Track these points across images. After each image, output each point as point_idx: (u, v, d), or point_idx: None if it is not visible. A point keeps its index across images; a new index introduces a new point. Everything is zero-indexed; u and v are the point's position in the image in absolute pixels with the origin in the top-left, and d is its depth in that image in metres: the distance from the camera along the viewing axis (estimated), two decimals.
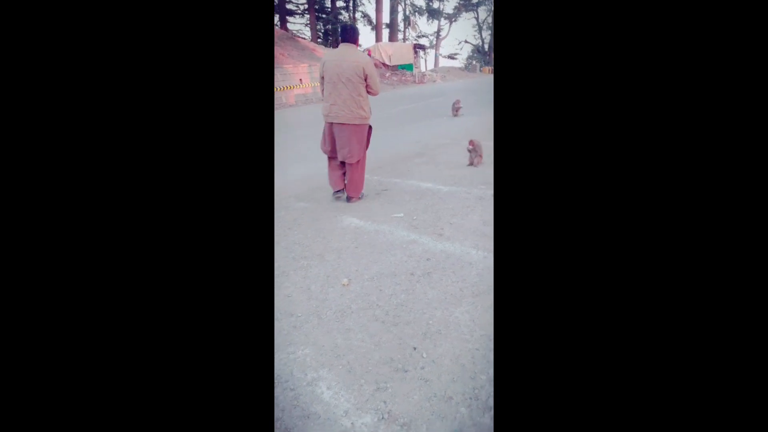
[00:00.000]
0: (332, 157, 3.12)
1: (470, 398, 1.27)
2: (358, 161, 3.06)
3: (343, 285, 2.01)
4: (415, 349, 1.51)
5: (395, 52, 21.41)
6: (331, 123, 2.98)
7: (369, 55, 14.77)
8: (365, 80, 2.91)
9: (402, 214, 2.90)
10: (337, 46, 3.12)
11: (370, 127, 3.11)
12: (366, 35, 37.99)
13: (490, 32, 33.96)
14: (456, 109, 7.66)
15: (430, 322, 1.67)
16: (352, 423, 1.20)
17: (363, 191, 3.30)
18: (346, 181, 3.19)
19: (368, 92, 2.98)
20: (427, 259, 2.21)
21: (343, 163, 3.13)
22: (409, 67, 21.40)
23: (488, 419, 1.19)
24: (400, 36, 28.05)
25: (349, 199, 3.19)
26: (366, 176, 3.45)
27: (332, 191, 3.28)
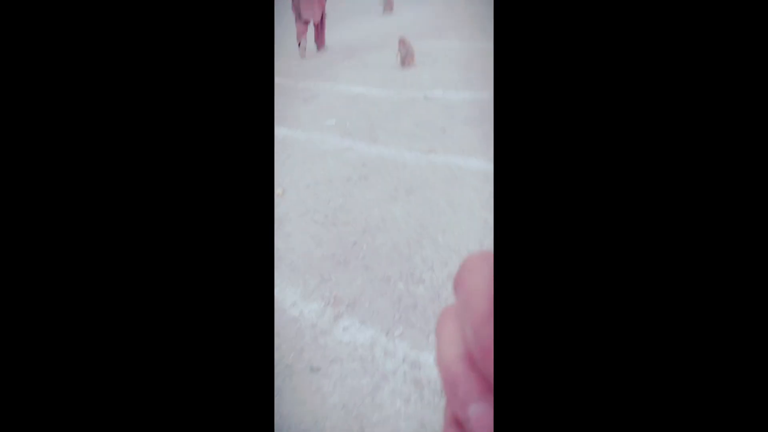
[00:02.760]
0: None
1: (406, 275, 1.45)
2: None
3: (278, 195, 1.99)
4: (355, 243, 1.63)
5: None
6: None
7: None
8: None
9: (334, 122, 2.80)
10: None
11: None
12: None
13: None
14: (389, 6, 6.96)
15: (369, 219, 1.77)
16: (300, 311, 1.32)
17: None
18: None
19: None
20: (363, 165, 2.24)
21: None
22: None
23: (422, 289, 1.39)
24: None
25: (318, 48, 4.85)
26: (291, 82, 3.18)
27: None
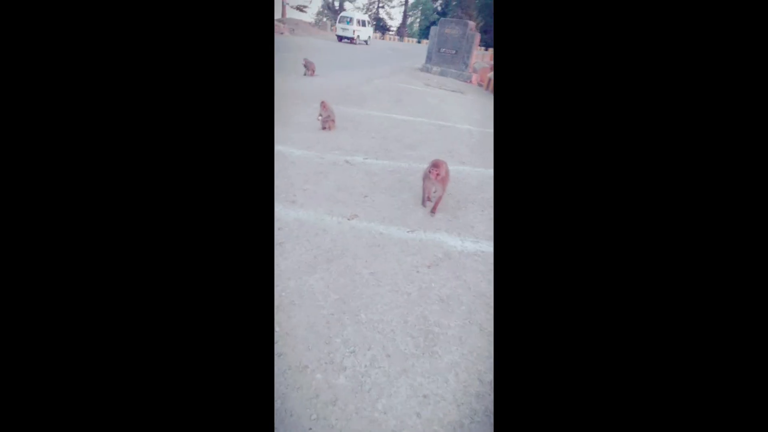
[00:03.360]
0: None
1: (325, 363, 1.29)
2: None
3: None
4: None
5: None
6: None
7: None
8: None
9: None
10: None
11: None
12: None
13: None
14: (309, 71, 7.25)
15: (283, 294, 1.60)
16: None
17: None
18: None
19: None
20: (278, 229, 2.09)
21: None
22: None
23: (343, 379, 1.24)
24: None
25: None
26: None
27: None
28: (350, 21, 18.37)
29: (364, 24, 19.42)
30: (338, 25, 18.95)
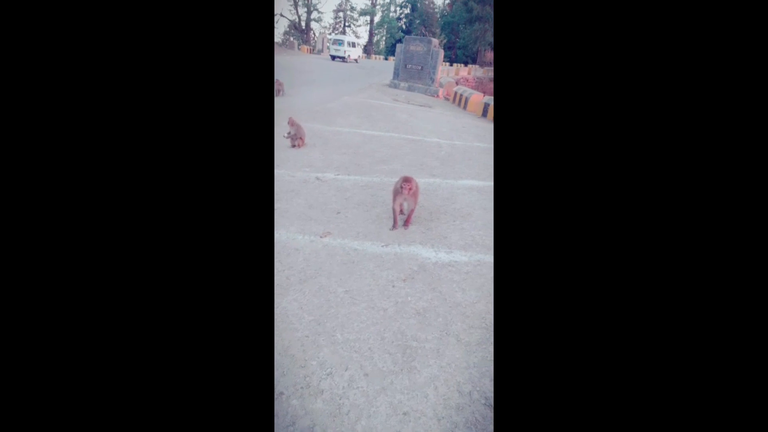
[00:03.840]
0: None
1: (301, 387, 1.25)
2: None
3: None
4: None
5: None
6: None
7: None
8: None
9: None
10: None
11: None
12: None
13: (305, 10, 33.59)
14: (278, 90, 7.21)
15: None
16: None
17: None
18: None
19: None
20: None
21: None
22: None
23: (320, 403, 1.20)
24: None
25: None
26: None
27: None
28: (342, 43, 20.90)
29: (353, 45, 22.06)
30: (331, 47, 21.25)
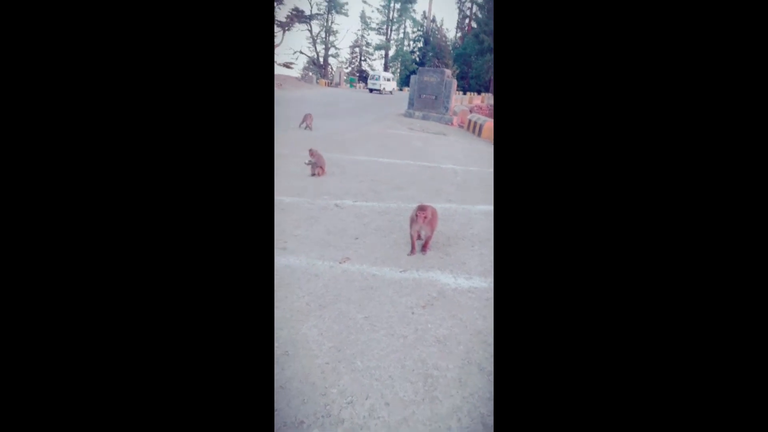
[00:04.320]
0: None
1: (322, 416, 1.23)
2: None
3: None
4: None
5: None
6: None
7: None
8: None
9: None
10: None
11: None
12: None
13: (323, 46, 35.46)
14: (308, 124, 7.11)
15: (276, 344, 1.55)
16: None
17: None
18: None
19: None
20: None
21: None
22: None
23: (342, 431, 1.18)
24: None
25: None
26: None
27: None
28: (378, 78, 25.41)
29: (388, 80, 26.38)
30: (369, 81, 25.93)
